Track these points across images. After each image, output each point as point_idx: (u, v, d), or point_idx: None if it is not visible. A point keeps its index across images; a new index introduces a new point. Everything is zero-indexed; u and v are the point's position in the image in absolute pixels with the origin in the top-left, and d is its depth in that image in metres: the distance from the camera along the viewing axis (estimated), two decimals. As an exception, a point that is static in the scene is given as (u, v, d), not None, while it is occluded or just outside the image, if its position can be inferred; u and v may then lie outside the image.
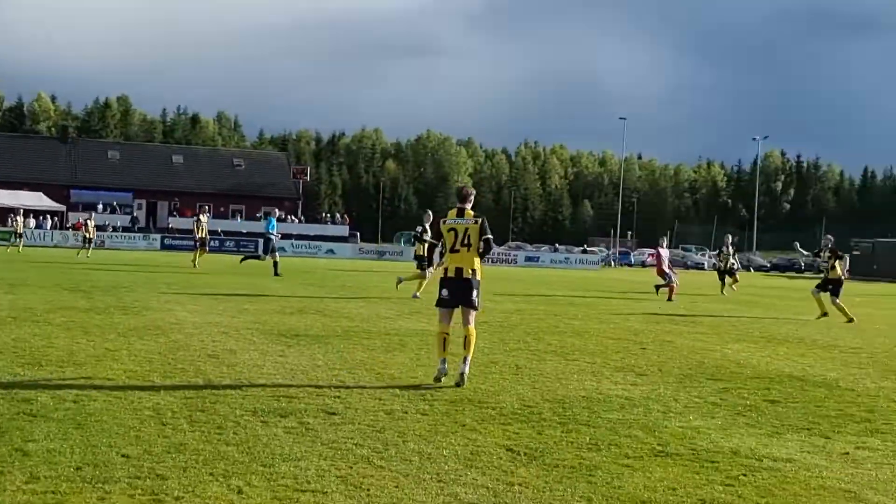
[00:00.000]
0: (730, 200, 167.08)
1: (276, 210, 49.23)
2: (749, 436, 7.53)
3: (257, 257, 34.80)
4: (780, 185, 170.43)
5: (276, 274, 28.79)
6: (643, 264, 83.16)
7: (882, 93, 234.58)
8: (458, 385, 9.20)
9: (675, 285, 26.87)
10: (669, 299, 25.90)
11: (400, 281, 22.61)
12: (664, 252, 27.93)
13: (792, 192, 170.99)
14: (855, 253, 74.43)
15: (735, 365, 12.06)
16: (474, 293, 9.56)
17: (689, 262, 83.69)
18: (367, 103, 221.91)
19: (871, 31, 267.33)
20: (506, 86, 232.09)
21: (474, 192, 10.07)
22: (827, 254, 21.23)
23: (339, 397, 8.40)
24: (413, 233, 23.56)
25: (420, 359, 11.23)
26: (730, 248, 32.77)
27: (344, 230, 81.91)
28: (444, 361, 9.49)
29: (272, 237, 31.03)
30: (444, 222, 9.78)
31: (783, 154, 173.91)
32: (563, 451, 6.68)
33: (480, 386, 9.37)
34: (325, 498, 5.24)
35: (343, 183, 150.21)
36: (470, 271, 9.54)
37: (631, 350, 13.24)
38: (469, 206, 9.77)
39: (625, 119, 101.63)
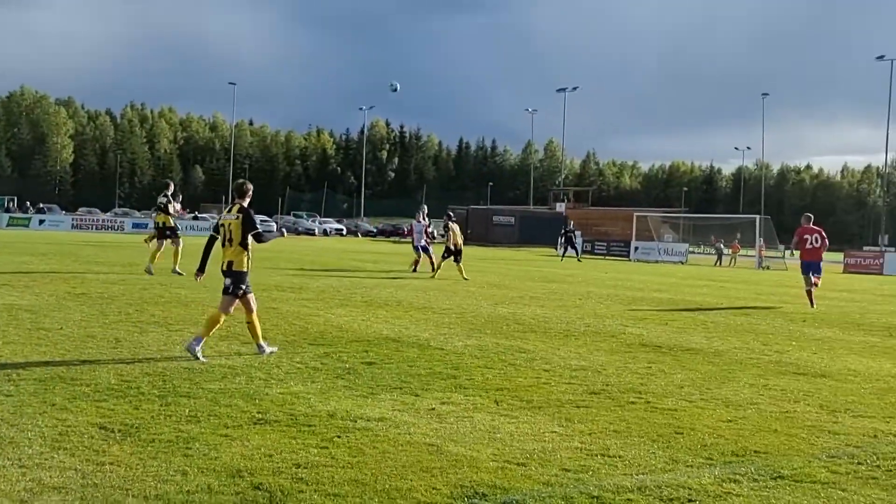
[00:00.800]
0: (339, 168, 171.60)
1: None
2: (346, 398, 7.83)
3: None
4: (385, 153, 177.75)
5: None
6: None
7: (477, 68, 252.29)
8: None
9: (427, 259, 26.62)
10: (414, 270, 26.33)
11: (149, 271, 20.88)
12: (418, 225, 27.53)
13: (396, 160, 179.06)
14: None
15: (337, 329, 12.47)
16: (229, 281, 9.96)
17: (300, 229, 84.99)
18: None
19: (469, 8, 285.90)
20: (111, 45, 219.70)
21: (251, 188, 10.44)
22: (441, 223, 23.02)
23: None
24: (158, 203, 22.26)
25: (7, 336, 10.42)
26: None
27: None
28: (198, 340, 9.60)
29: None
30: (221, 216, 10.26)
31: (388, 124, 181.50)
32: (161, 425, 6.53)
33: (74, 363, 8.89)
34: None
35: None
36: (227, 264, 9.99)
37: (237, 318, 13.19)
38: (246, 201, 10.17)
39: (234, 84, 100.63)
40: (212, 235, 10.30)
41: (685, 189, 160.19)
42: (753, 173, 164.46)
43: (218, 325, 9.92)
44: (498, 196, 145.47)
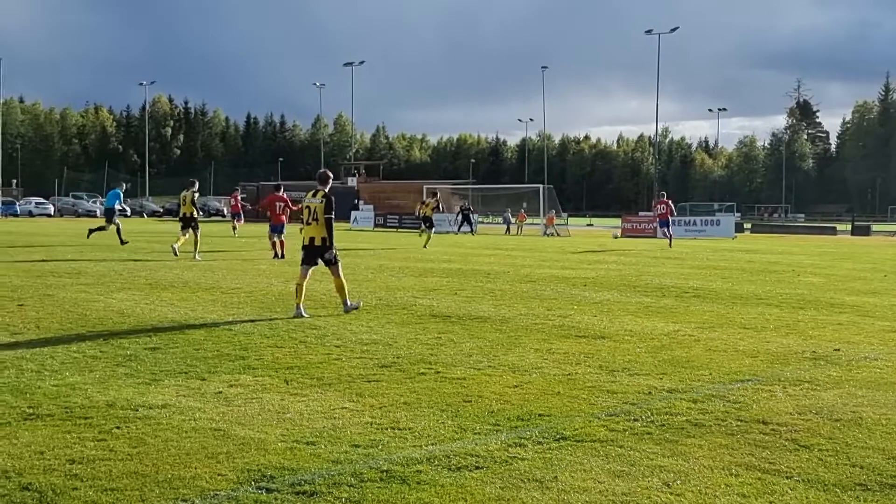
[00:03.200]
0: (121, 146, 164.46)
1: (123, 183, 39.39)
2: (127, 386, 7.48)
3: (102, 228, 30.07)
4: (170, 130, 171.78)
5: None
6: (30, 214, 78.54)
7: (263, 42, 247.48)
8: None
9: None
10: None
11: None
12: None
13: (182, 137, 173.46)
14: (241, 195, 78.07)
15: (118, 315, 11.92)
16: (328, 254, 12.72)
17: (80, 210, 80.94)
18: None
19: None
20: None
21: (331, 175, 13.31)
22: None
23: None
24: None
25: None
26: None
27: None
28: (298, 307, 12.28)
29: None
30: (303, 200, 12.89)
31: (171, 100, 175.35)
32: (-84, 428, 6.00)
33: None
34: None
35: None
36: (320, 240, 12.67)
37: (7, 308, 12.39)
38: (327, 188, 12.83)
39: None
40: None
41: (473, 161, 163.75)
42: (537, 144, 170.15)
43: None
44: (289, 172, 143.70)
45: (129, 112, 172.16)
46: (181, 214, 25.89)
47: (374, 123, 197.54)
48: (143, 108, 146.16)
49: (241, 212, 42.18)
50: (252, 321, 11.58)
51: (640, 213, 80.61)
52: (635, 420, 6.51)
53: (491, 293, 15.55)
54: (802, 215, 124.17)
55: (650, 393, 7.51)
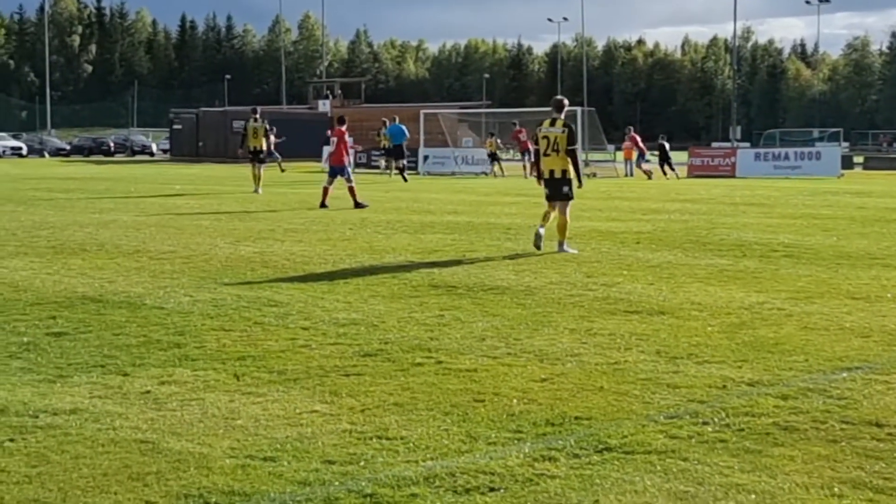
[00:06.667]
0: (13, 62, 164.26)
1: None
2: (24, 385, 7.53)
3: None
4: (78, 39, 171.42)
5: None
6: None
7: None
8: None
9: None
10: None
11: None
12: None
13: (94, 48, 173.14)
14: (175, 127, 78.28)
15: (11, 289, 12.00)
16: (565, 188, 15.94)
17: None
18: None
19: None
20: None
21: (567, 103, 16.54)
22: None
23: None
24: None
25: None
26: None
27: None
28: (541, 227, 15.74)
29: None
30: (540, 130, 16.08)
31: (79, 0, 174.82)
32: None
33: None
34: None
35: None
36: (560, 171, 15.85)
37: None
38: (563, 115, 15.99)
39: None
40: (535, 149, 16.55)
41: (487, 76, 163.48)
42: (573, 52, 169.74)
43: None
44: (239, 94, 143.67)
45: (23, 15, 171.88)
46: (251, 149, 31.32)
47: (352, 27, 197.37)
48: (42, 9, 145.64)
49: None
50: (190, 297, 11.61)
51: (714, 145, 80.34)
52: (704, 424, 6.53)
53: (511, 255, 15.57)
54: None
55: (725, 387, 7.53)
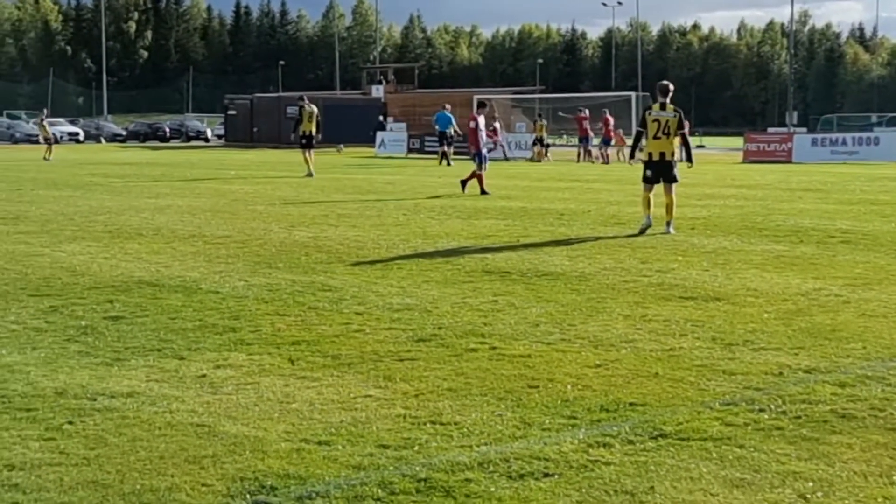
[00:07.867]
0: (70, 48, 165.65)
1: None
2: (82, 368, 7.61)
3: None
4: (134, 26, 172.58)
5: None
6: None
7: None
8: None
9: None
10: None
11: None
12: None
13: (150, 35, 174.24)
14: (230, 112, 78.72)
15: (69, 273, 12.10)
16: (674, 171, 16.79)
17: (17, 135, 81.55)
18: None
19: None
20: None
21: (673, 88, 17.08)
22: None
23: None
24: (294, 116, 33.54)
25: None
26: None
27: None
28: (649, 216, 16.61)
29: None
30: (649, 113, 16.67)
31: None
32: None
33: None
34: None
35: None
36: (670, 154, 16.81)
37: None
38: (668, 100, 16.63)
39: None
40: (639, 131, 17.18)
41: (540, 61, 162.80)
42: (627, 37, 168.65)
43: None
44: (293, 80, 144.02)
45: (80, 2, 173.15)
46: (302, 132, 32.38)
47: (405, 12, 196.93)
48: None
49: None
50: (245, 281, 11.68)
51: (770, 130, 79.61)
52: (761, 411, 6.48)
53: (564, 240, 15.53)
54: None
55: (781, 374, 7.47)
